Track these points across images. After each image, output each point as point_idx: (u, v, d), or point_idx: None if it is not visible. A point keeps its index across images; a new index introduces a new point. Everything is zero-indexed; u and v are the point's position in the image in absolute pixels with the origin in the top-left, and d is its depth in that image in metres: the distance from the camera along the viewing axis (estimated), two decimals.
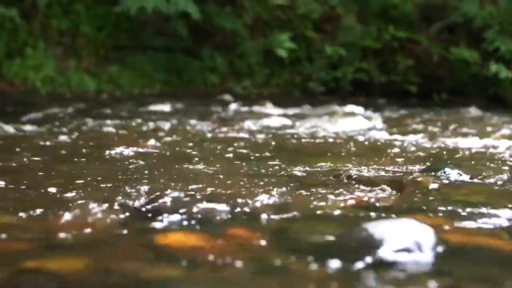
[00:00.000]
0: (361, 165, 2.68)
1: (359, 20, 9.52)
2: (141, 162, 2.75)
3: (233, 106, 6.64)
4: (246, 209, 1.80)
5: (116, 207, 1.79)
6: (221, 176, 2.38)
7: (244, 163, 2.73)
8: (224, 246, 1.46)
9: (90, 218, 1.68)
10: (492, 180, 2.33)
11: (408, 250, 1.35)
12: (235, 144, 3.54)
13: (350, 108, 6.16)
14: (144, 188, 2.04)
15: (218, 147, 3.38)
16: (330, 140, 3.91)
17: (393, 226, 1.39)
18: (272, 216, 1.74)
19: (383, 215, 1.76)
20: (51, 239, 1.52)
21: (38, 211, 1.73)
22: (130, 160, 2.81)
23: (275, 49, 8.81)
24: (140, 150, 3.16)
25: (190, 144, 3.60)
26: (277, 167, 2.62)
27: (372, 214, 1.78)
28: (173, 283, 1.21)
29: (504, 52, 7.82)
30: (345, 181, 2.27)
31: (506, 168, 2.61)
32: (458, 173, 2.33)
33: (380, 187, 2.14)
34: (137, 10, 7.76)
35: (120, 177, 2.33)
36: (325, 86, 9.02)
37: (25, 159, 2.80)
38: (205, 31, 8.94)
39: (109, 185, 2.11)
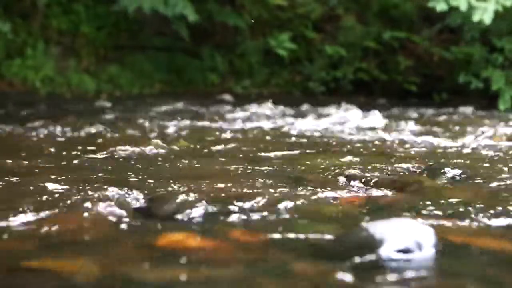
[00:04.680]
0: (361, 165, 2.68)
1: (359, 20, 9.52)
2: (141, 162, 2.75)
3: (232, 106, 6.64)
4: (246, 209, 1.80)
5: (116, 207, 1.79)
6: (221, 176, 2.38)
7: (243, 163, 2.73)
8: (224, 246, 1.46)
9: (90, 218, 1.68)
10: (492, 180, 2.32)
11: (408, 250, 1.35)
12: (235, 144, 3.54)
13: (349, 108, 6.16)
14: (144, 188, 2.04)
15: (218, 147, 3.38)
16: (330, 140, 3.91)
17: (393, 226, 1.39)
18: (272, 216, 1.74)
19: (383, 215, 1.75)
20: (51, 239, 1.52)
21: (38, 211, 1.73)
22: (130, 160, 2.80)
23: (275, 49, 8.81)
24: (140, 150, 3.16)
25: (190, 144, 3.59)
26: (276, 167, 2.62)
27: (372, 214, 1.78)
28: (173, 284, 1.21)
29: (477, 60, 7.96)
30: (345, 181, 2.27)
31: (506, 168, 2.61)
32: (458, 173, 2.33)
33: (380, 187, 2.14)
34: (134, 9, 7.75)
35: (119, 177, 2.33)
36: (325, 86, 9.01)
37: (24, 159, 2.80)
38: (205, 31, 8.94)
39: (109, 185, 2.11)
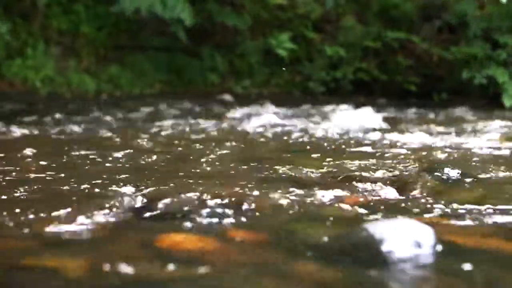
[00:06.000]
0: (361, 165, 2.68)
1: (359, 20, 9.52)
2: (141, 162, 2.75)
3: (232, 106, 6.64)
4: (246, 210, 1.80)
5: (116, 207, 1.79)
6: (221, 177, 2.38)
7: (244, 164, 2.73)
8: (224, 247, 1.46)
9: (90, 218, 1.68)
10: (492, 180, 2.33)
11: (408, 250, 1.35)
12: (235, 145, 3.54)
13: (349, 108, 6.16)
14: (145, 188, 2.04)
15: (218, 148, 3.38)
16: (330, 140, 3.91)
17: (393, 226, 1.39)
18: (272, 217, 1.74)
19: (383, 215, 1.76)
20: (51, 238, 1.52)
21: (38, 210, 1.73)
22: (130, 160, 2.80)
23: (275, 49, 8.82)
24: (140, 150, 3.16)
25: (190, 144, 3.60)
26: (276, 167, 2.62)
27: (372, 214, 1.78)
28: (173, 284, 1.21)
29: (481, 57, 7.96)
30: (345, 181, 2.27)
31: (506, 168, 2.61)
32: (458, 173, 2.33)
33: (380, 187, 2.14)
34: (131, 11, 7.76)
35: (120, 177, 2.33)
36: (325, 86, 9.02)
37: (24, 159, 2.80)
38: (205, 31, 8.94)
39: (109, 185, 2.11)
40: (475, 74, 7.83)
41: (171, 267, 1.29)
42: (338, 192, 2.05)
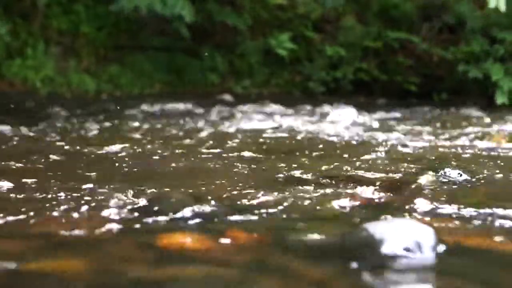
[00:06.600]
0: (361, 165, 2.68)
1: (359, 20, 9.52)
2: (141, 162, 2.75)
3: (232, 106, 6.64)
4: (246, 210, 1.80)
5: (116, 207, 1.79)
6: (221, 177, 2.38)
7: (243, 164, 2.73)
8: (224, 247, 1.46)
9: (90, 218, 1.68)
10: (492, 180, 2.33)
11: (408, 250, 1.35)
12: (235, 145, 3.54)
13: (349, 108, 6.16)
14: (144, 188, 2.04)
15: (218, 148, 3.38)
16: (330, 140, 3.91)
17: (393, 226, 1.39)
18: (272, 216, 1.74)
19: (383, 215, 1.76)
20: (51, 240, 1.52)
21: (38, 211, 1.73)
22: (130, 161, 2.80)
23: (275, 49, 8.81)
24: (140, 150, 3.16)
25: (190, 144, 3.60)
26: (276, 168, 2.62)
27: (372, 214, 1.78)
28: (173, 284, 1.21)
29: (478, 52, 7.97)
30: (345, 181, 2.27)
31: (505, 168, 2.61)
32: (458, 173, 2.33)
33: (380, 187, 2.14)
34: (130, 9, 7.76)
35: (120, 177, 2.33)
36: (325, 86, 9.01)
37: (25, 160, 2.80)
38: (205, 31, 8.93)
39: (109, 185, 2.11)
40: (471, 68, 7.85)
41: (171, 267, 1.29)
42: (338, 192, 2.05)
